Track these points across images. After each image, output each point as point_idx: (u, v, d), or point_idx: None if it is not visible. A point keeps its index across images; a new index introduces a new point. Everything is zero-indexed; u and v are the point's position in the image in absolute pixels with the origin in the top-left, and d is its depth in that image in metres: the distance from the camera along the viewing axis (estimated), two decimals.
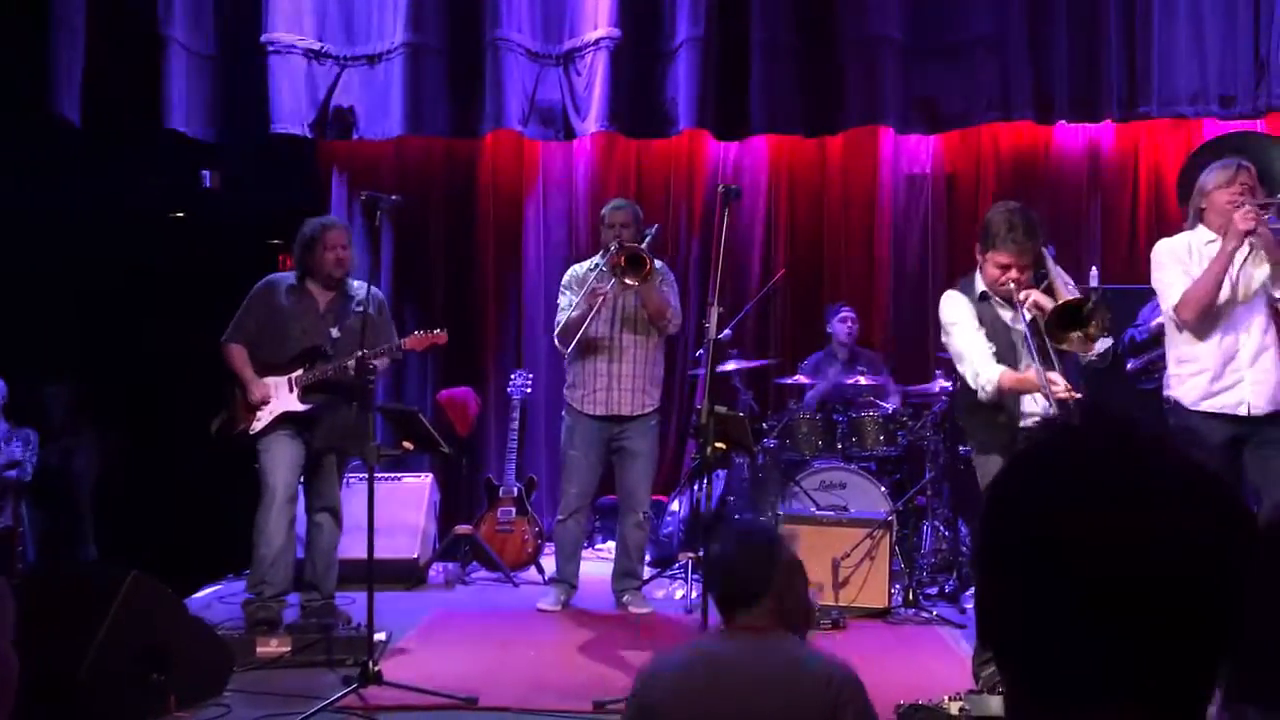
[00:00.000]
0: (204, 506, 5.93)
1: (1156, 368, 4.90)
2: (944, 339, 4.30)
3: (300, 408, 5.07)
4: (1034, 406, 4.11)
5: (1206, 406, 4.30)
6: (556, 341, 5.63)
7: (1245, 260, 4.27)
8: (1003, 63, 6.46)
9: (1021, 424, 4.18)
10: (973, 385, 4.16)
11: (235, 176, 6.83)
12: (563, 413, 5.81)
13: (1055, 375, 3.92)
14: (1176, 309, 4.33)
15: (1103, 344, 4.12)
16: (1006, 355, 4.13)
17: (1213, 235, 4.33)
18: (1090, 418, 0.96)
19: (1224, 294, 4.27)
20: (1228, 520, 0.88)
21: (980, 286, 4.19)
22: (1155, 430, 0.94)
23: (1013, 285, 4.03)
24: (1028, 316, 4.01)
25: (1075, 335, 3.90)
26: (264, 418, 5.06)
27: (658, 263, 5.59)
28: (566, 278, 5.75)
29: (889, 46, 6.44)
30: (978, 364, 4.11)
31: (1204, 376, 4.31)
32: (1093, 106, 6.54)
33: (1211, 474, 0.90)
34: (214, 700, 4.16)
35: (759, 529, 2.76)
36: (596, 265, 5.59)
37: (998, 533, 0.93)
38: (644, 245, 5.40)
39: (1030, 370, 4.02)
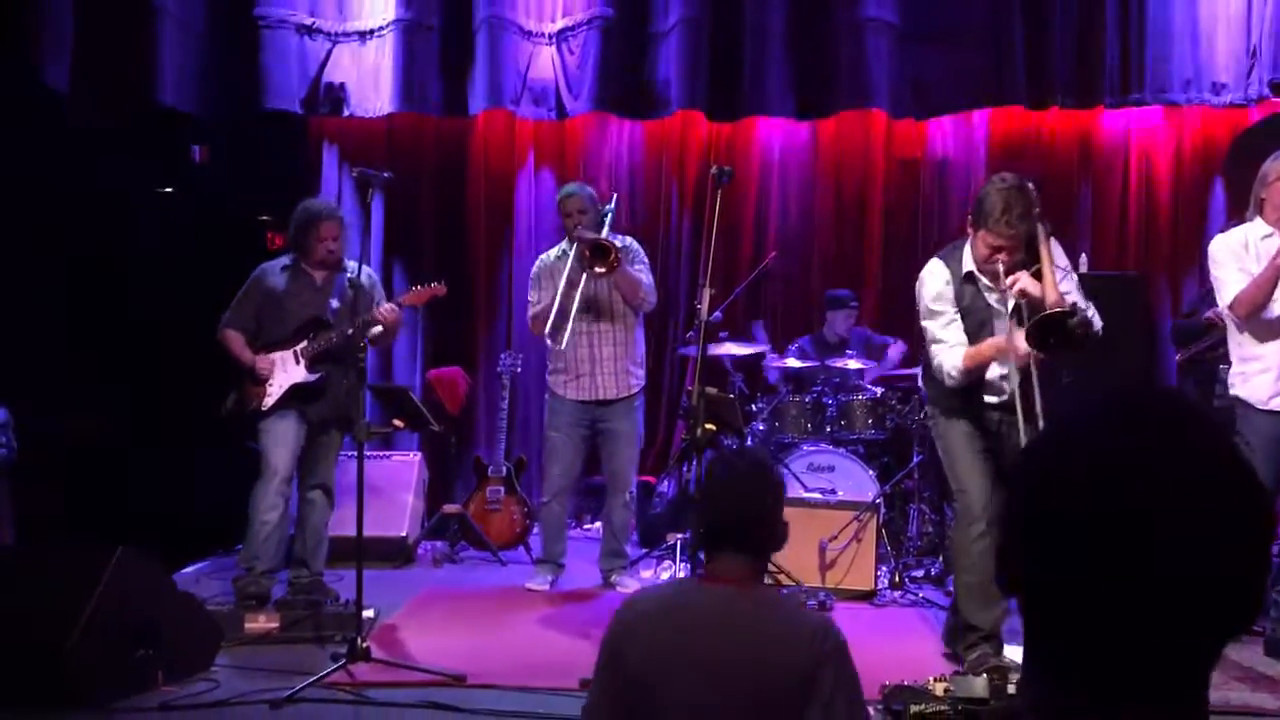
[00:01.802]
0: (193, 482, 5.93)
1: (1205, 358, 4.90)
2: (921, 317, 4.30)
3: (309, 378, 5.10)
4: (1009, 387, 4.11)
5: (1276, 405, 4.31)
6: (532, 329, 5.66)
7: None
8: (996, 48, 6.45)
9: (986, 397, 4.22)
10: (937, 375, 4.21)
11: (225, 152, 6.79)
12: (545, 395, 5.82)
13: (1017, 333, 3.92)
14: (1231, 308, 4.35)
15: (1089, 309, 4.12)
16: (975, 335, 4.15)
17: (1269, 229, 4.31)
18: (1137, 392, 0.97)
19: None
20: (1254, 506, 0.91)
21: (968, 263, 4.18)
22: (1208, 418, 0.95)
23: (1000, 267, 4.03)
24: (1012, 303, 4.01)
25: (1053, 344, 3.87)
26: (274, 392, 5.09)
27: (624, 240, 5.60)
28: (535, 269, 5.78)
29: (882, 30, 6.42)
30: (944, 355, 4.15)
31: (1270, 375, 4.32)
32: (1085, 93, 6.54)
33: (1250, 471, 0.92)
34: (202, 675, 4.18)
35: (754, 460, 2.69)
36: (564, 252, 5.59)
37: (1030, 488, 0.96)
38: (607, 224, 5.42)
39: (986, 343, 4.03)
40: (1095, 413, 0.96)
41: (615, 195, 5.81)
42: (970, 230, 4.12)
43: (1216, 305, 4.63)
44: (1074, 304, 3.97)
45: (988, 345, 4.08)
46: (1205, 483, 0.90)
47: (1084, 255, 6.56)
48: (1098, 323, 4.12)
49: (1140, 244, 7.23)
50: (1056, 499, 0.93)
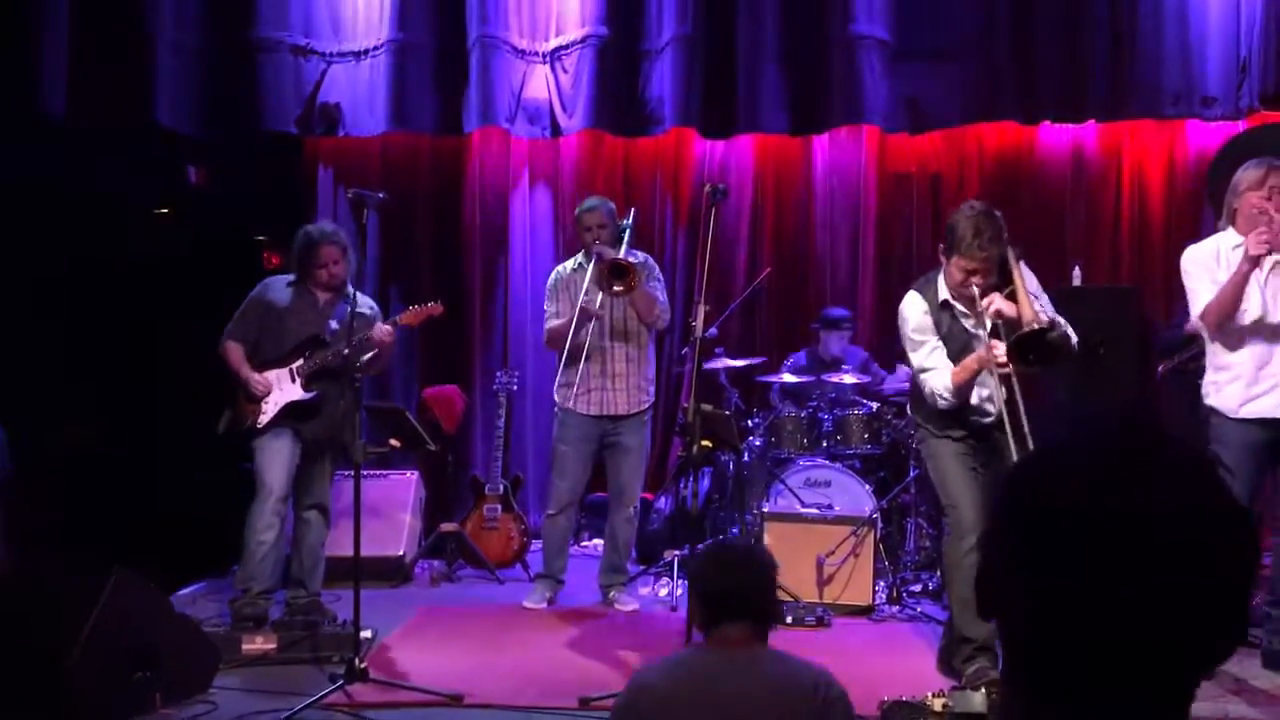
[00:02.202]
0: (189, 503, 5.92)
1: (1187, 369, 4.93)
2: (905, 346, 4.36)
3: (305, 396, 5.10)
4: (990, 407, 4.20)
5: (1245, 413, 4.34)
6: (546, 345, 5.66)
7: (1276, 265, 4.29)
8: (988, 63, 6.49)
9: (972, 418, 4.28)
10: (930, 401, 4.26)
11: (221, 172, 6.81)
12: (554, 409, 5.82)
13: (995, 342, 4.02)
14: (1201, 318, 4.40)
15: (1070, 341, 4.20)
16: (956, 360, 4.22)
17: (1240, 240, 4.33)
18: (1117, 418, 0.98)
19: (1255, 302, 4.30)
20: (1234, 527, 0.92)
21: (943, 292, 4.27)
22: (1179, 435, 0.96)
23: (975, 290, 4.08)
24: (989, 325, 4.09)
25: (1033, 359, 3.95)
26: (269, 410, 5.08)
27: (641, 256, 5.62)
28: (551, 281, 5.78)
29: (875, 47, 6.46)
30: (933, 380, 4.22)
31: (1240, 383, 4.35)
32: (1077, 107, 6.58)
33: (1225, 495, 0.93)
34: (200, 697, 4.16)
35: (746, 544, 2.82)
36: (580, 265, 5.60)
37: (1013, 519, 0.97)
38: (625, 242, 5.43)
39: (970, 358, 4.11)
40: (1079, 437, 0.97)
41: (634, 211, 5.81)
42: (943, 259, 4.21)
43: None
44: (1051, 319, 4.03)
45: (971, 359, 4.14)
46: (1190, 507, 0.90)
47: (1077, 269, 6.58)
48: (1073, 338, 4.20)
49: (1133, 257, 7.26)
50: (1044, 520, 0.93)
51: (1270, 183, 4.28)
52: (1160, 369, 5.54)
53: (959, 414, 4.29)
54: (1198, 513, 0.90)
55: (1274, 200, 4.25)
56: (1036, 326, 3.94)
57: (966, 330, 4.26)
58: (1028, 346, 3.92)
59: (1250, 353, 4.34)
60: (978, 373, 4.14)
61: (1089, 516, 0.90)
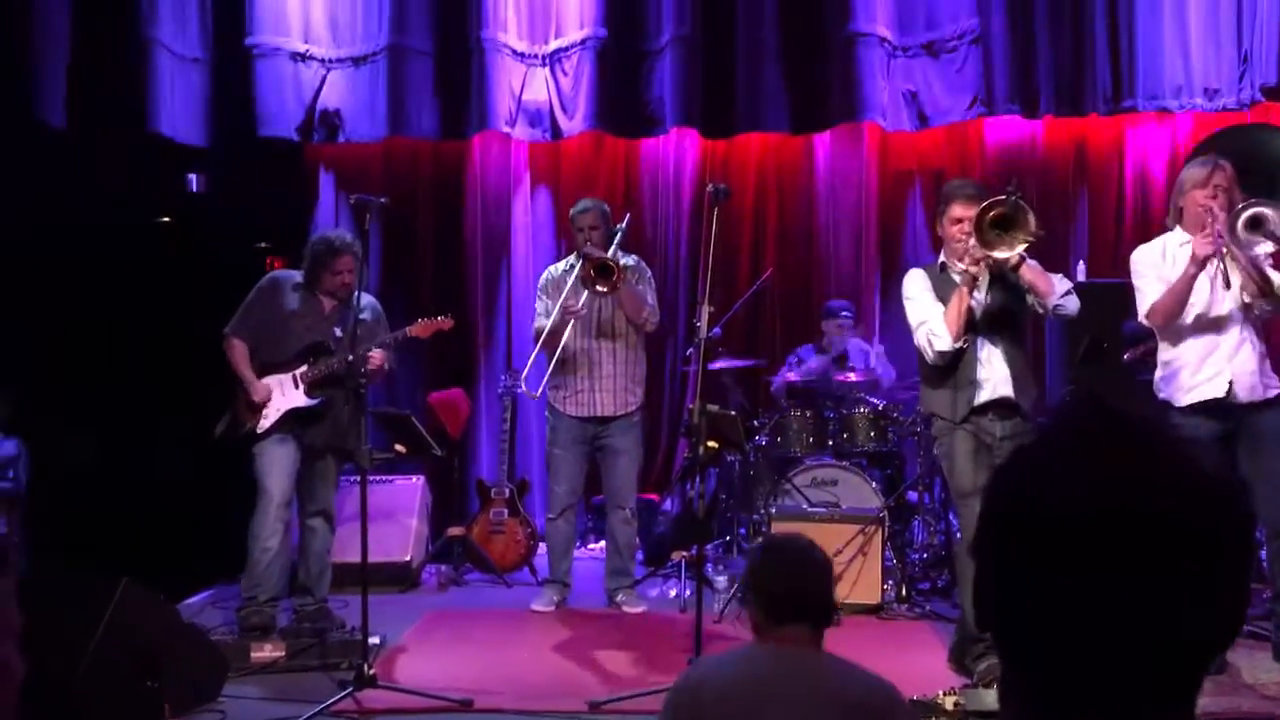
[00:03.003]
0: (194, 511, 5.91)
1: (1152, 359, 4.97)
2: (908, 315, 4.54)
3: (307, 403, 5.08)
4: (988, 376, 4.35)
5: (1190, 400, 4.37)
6: (536, 342, 5.66)
7: (1220, 261, 4.30)
8: (988, 58, 6.48)
9: (977, 401, 4.36)
10: (928, 351, 4.41)
11: (222, 180, 6.81)
12: (546, 411, 5.82)
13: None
14: (1147, 316, 4.47)
15: (1062, 285, 4.37)
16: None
17: (1187, 238, 4.39)
18: (1094, 411, 0.96)
19: (1202, 293, 4.35)
20: (1226, 512, 0.90)
21: (940, 258, 4.56)
22: (1159, 423, 0.95)
23: (965, 237, 4.32)
24: (974, 269, 4.30)
25: (1011, 238, 4.23)
26: (270, 415, 5.06)
27: (632, 259, 5.62)
28: (542, 280, 5.80)
29: (875, 43, 6.45)
30: (931, 324, 4.40)
31: (1185, 372, 4.41)
32: (1078, 101, 6.56)
33: (1210, 466, 0.92)
34: (209, 706, 4.16)
35: (804, 544, 2.68)
36: (571, 265, 5.60)
37: (997, 521, 0.95)
38: (615, 243, 5.43)
39: (955, 295, 4.33)
40: (1050, 435, 0.96)
41: (628, 216, 5.81)
42: (940, 229, 4.53)
43: None
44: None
45: (955, 296, 4.34)
46: (1186, 495, 0.89)
47: (1080, 263, 6.57)
48: (1073, 305, 4.37)
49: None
50: (1026, 521, 0.92)
51: (1214, 181, 4.33)
52: (1126, 356, 5.55)
53: (956, 386, 4.38)
54: (1180, 491, 0.88)
55: (1219, 199, 4.29)
56: (996, 199, 4.26)
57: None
58: (1000, 224, 4.23)
59: (1194, 345, 4.40)
60: (966, 310, 4.30)
61: (1071, 512, 0.89)
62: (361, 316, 4.81)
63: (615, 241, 5.47)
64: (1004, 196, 4.23)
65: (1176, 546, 0.87)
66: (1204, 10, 6.34)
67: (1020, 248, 4.22)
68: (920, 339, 4.45)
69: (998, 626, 0.95)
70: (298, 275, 5.23)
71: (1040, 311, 4.41)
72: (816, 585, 2.51)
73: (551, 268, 5.83)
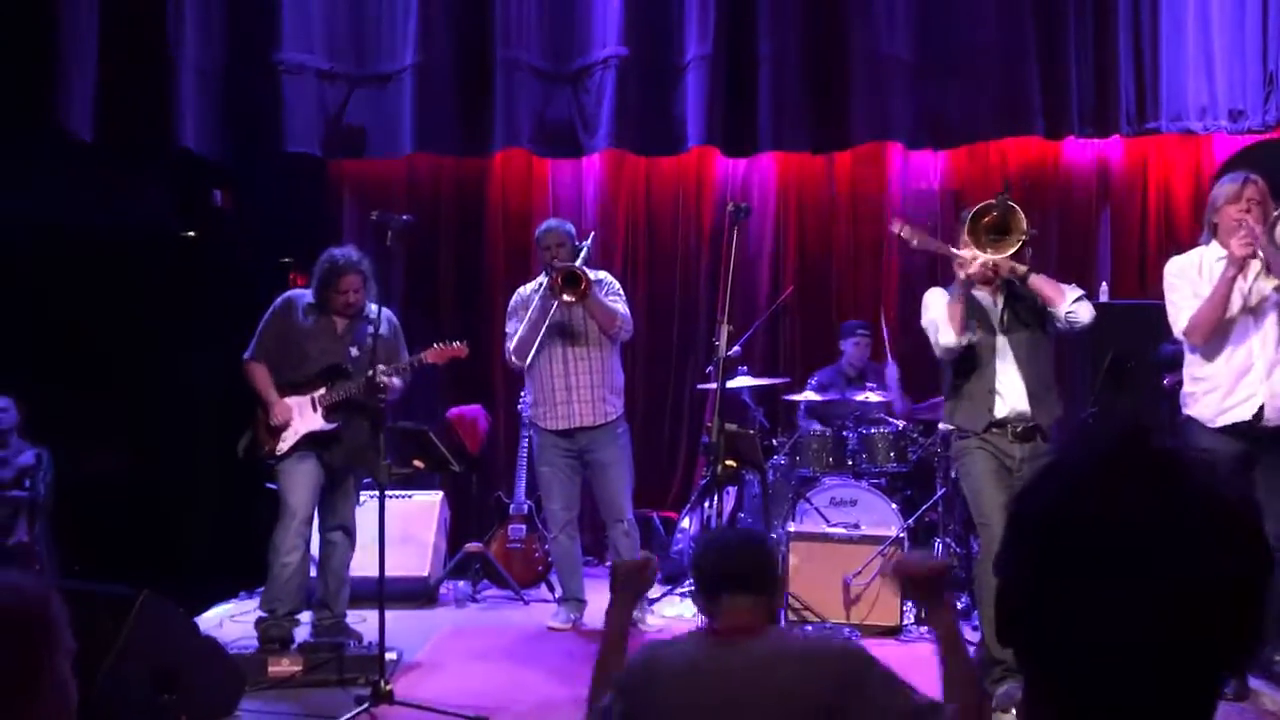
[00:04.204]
0: (215, 525, 5.94)
1: None
2: (928, 331, 4.55)
3: (326, 426, 5.09)
4: (1006, 389, 4.37)
5: (1223, 421, 4.34)
6: (511, 360, 5.66)
7: (1256, 275, 4.30)
8: (1011, 78, 6.47)
9: (997, 412, 4.39)
10: (936, 347, 4.46)
11: (246, 196, 6.86)
12: (529, 432, 5.83)
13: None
14: (1185, 333, 4.42)
15: (1072, 293, 4.40)
16: (982, 330, 4.44)
17: (1223, 252, 4.37)
18: (1120, 432, 0.97)
19: (1235, 309, 4.32)
20: (1247, 546, 0.90)
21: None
22: (1186, 450, 0.95)
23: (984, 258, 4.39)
24: (1001, 300, 4.43)
25: (1005, 241, 4.32)
26: (289, 438, 5.08)
27: (599, 274, 5.64)
28: (512, 302, 5.82)
29: (897, 63, 6.46)
30: (938, 321, 4.44)
31: (1217, 394, 4.36)
32: (1102, 121, 6.54)
33: (1235, 498, 0.92)
34: None
35: (742, 529, 2.78)
36: (540, 285, 5.64)
37: (1026, 530, 0.96)
38: (580, 259, 5.48)
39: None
40: (1078, 453, 0.96)
41: (592, 235, 5.88)
42: (964, 245, 4.50)
43: None
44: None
45: (955, 293, 4.41)
46: (1208, 522, 0.89)
47: (1104, 285, 6.53)
48: (1085, 313, 4.37)
49: (1160, 272, 7.16)
50: (1050, 538, 0.92)
51: (1247, 195, 4.33)
52: (1166, 381, 5.51)
53: (975, 396, 4.42)
54: (1200, 517, 0.89)
55: (1252, 213, 4.29)
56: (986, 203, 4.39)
57: (981, 306, 4.48)
58: (994, 229, 4.34)
59: (1230, 364, 4.35)
60: (963, 309, 4.37)
61: (1093, 530, 0.90)
62: (380, 331, 4.82)
63: (581, 258, 5.52)
64: (994, 200, 4.33)
65: (1191, 561, 0.88)
66: (1229, 32, 6.32)
67: (1015, 247, 4.31)
68: (930, 337, 4.52)
69: (1022, 638, 0.96)
70: (310, 295, 5.25)
71: (1058, 325, 4.40)
72: (746, 555, 2.49)
73: (521, 289, 5.86)
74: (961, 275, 4.39)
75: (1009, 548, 0.96)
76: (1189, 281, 4.42)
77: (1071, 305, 4.34)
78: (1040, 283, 4.38)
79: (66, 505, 6.07)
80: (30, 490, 6.12)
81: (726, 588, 2.43)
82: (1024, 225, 4.32)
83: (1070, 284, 4.49)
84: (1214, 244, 4.43)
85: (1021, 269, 4.36)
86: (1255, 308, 4.33)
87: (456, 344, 5.25)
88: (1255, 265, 4.30)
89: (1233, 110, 6.35)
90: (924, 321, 4.57)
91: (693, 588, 2.62)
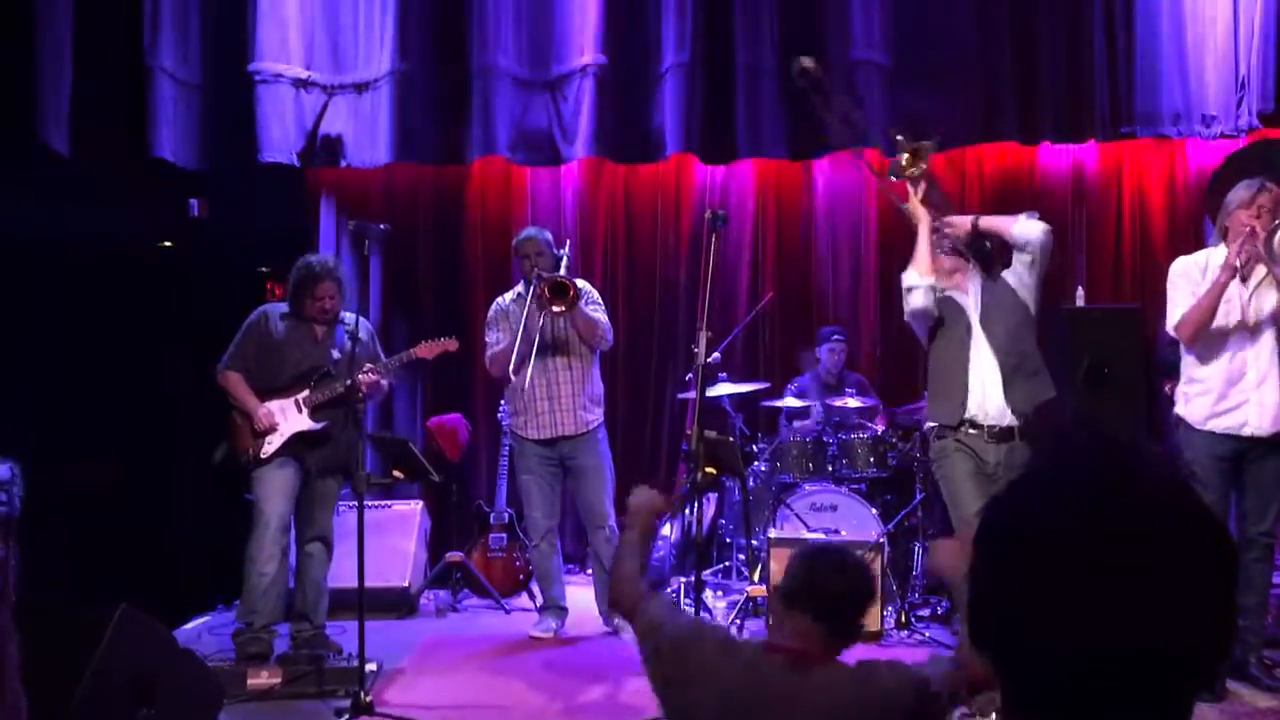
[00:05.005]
0: (193, 537, 5.91)
1: None
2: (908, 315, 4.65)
3: (312, 426, 5.09)
4: (982, 378, 4.42)
5: (1212, 426, 4.42)
6: (490, 370, 5.69)
7: (1258, 285, 4.36)
8: (987, 84, 6.51)
9: (971, 408, 4.44)
10: (905, 304, 4.55)
11: (223, 205, 6.83)
12: (509, 441, 5.83)
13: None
14: (1176, 329, 4.50)
15: (1021, 217, 4.55)
16: (950, 320, 4.53)
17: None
18: (1088, 443, 0.98)
19: (1234, 317, 4.39)
20: (1214, 556, 0.92)
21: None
22: (1154, 457, 0.96)
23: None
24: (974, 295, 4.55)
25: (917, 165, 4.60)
26: (275, 441, 5.06)
27: (583, 284, 5.65)
28: (492, 311, 5.83)
29: (873, 70, 6.48)
30: (907, 272, 4.55)
31: (1209, 397, 4.43)
32: (1076, 127, 6.58)
33: (1203, 509, 0.93)
34: None
35: (845, 554, 2.57)
36: (519, 295, 5.64)
37: (991, 553, 0.96)
38: (562, 267, 5.50)
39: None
40: (1052, 464, 0.97)
41: (569, 242, 5.92)
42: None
43: None
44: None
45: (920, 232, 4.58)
46: (1164, 523, 0.91)
47: (1080, 289, 6.57)
48: (1036, 227, 4.52)
49: (1136, 276, 7.24)
50: (1020, 547, 0.93)
51: (1259, 202, 4.39)
52: (1166, 388, 5.55)
53: (949, 392, 4.47)
54: (1172, 528, 0.90)
55: (1262, 219, 4.36)
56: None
57: (954, 300, 4.57)
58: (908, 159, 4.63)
59: (1223, 369, 4.43)
60: (930, 247, 4.52)
61: (1065, 540, 0.90)
62: (358, 335, 4.82)
63: (562, 266, 5.54)
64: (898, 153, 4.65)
65: (1162, 572, 0.89)
66: (1202, 38, 6.38)
67: (926, 160, 4.59)
68: (905, 306, 4.60)
69: (994, 646, 0.96)
70: (284, 306, 5.27)
71: (1024, 260, 4.49)
72: (831, 580, 2.37)
73: (499, 299, 5.86)
74: (923, 227, 4.57)
75: (980, 557, 0.97)
76: (1190, 281, 4.49)
77: (1021, 226, 4.47)
78: (988, 223, 4.59)
79: (42, 518, 6.02)
80: (6, 505, 6.06)
81: (799, 603, 2.34)
82: (929, 142, 4.60)
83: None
84: (1222, 246, 4.49)
85: (966, 220, 4.59)
86: (1254, 318, 4.40)
87: (445, 339, 5.30)
88: (1260, 273, 4.36)
89: (1205, 115, 6.40)
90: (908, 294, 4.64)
91: (781, 586, 2.45)
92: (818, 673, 2.28)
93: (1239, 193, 4.47)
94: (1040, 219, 4.55)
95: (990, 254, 4.57)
